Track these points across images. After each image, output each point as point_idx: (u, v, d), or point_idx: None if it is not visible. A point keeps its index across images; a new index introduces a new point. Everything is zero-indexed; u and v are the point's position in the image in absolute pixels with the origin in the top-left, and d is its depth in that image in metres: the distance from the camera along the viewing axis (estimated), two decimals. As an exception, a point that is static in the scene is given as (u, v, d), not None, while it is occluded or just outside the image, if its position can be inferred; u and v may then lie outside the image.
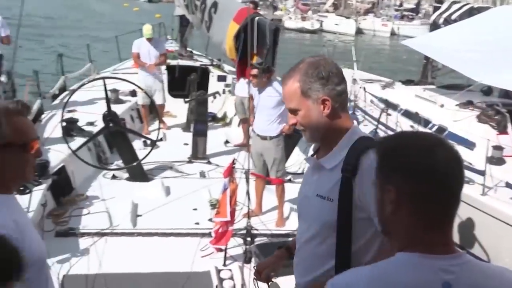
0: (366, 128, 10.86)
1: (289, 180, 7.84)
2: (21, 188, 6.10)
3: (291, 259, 2.96)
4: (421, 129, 9.72)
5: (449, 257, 1.63)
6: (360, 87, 12.67)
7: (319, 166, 2.69)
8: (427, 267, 1.62)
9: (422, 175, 1.63)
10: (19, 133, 2.33)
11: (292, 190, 7.35)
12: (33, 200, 5.88)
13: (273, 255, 3.18)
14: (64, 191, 6.87)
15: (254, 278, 3.05)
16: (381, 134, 10.14)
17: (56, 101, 10.40)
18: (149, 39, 10.03)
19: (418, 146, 1.68)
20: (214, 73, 12.18)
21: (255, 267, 3.13)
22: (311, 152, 4.10)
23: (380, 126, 10.33)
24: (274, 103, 6.70)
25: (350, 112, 11.43)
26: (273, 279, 3.03)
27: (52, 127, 8.20)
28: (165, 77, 11.06)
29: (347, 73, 13.79)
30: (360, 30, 46.85)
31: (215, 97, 10.27)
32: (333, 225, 2.56)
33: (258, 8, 14.79)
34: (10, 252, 1.74)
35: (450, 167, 1.64)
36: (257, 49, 6.68)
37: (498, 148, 7.72)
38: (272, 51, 6.64)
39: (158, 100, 9.95)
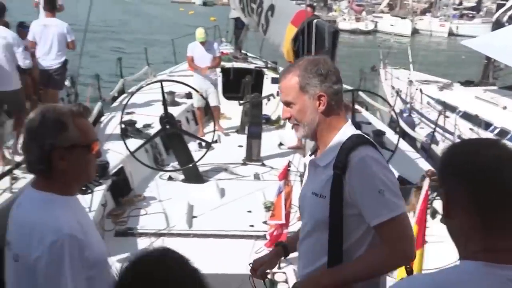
0: (422, 131, 10.71)
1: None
2: (83, 189, 6.22)
3: (286, 257, 3.10)
4: (481, 132, 9.54)
5: None
6: (417, 89, 12.48)
7: (314, 164, 2.75)
8: (494, 277, 1.54)
9: (472, 175, 1.59)
10: (83, 135, 2.38)
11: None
12: (94, 200, 5.98)
13: (269, 252, 3.24)
14: (123, 192, 6.96)
15: (249, 276, 3.04)
16: (439, 137, 9.97)
17: (115, 104, 10.58)
18: (202, 43, 10.06)
19: (471, 150, 1.65)
20: (268, 75, 12.10)
21: (251, 264, 3.10)
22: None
23: (437, 129, 10.08)
24: None
25: (405, 114, 11.42)
26: (268, 276, 3.06)
27: (111, 129, 8.34)
28: (219, 80, 11.07)
29: (403, 74, 13.78)
30: (416, 30, 46.01)
31: (269, 100, 10.21)
32: (325, 222, 2.59)
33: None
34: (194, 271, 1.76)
35: (501, 168, 1.57)
36: (315, 51, 6.66)
37: None
38: (331, 54, 6.60)
39: (212, 103, 9.94)
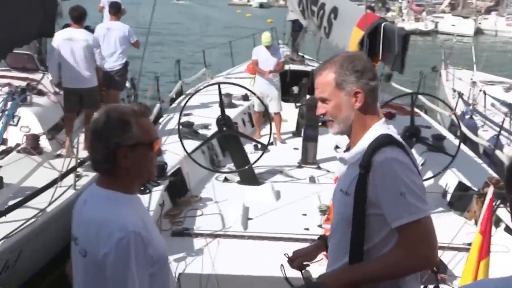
0: (486, 135, 10.45)
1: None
2: (142, 189, 6.27)
3: (327, 250, 3.01)
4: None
5: None
6: (480, 90, 12.22)
7: (344, 161, 2.78)
8: None
9: None
10: (145, 133, 2.45)
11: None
12: (152, 200, 6.04)
13: (310, 245, 3.30)
14: (180, 192, 7.01)
15: (281, 265, 3.02)
16: (504, 141, 9.71)
17: (174, 105, 10.69)
18: (267, 47, 10.04)
19: None
20: None
21: (287, 255, 3.10)
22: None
23: (502, 132, 9.78)
24: None
25: (467, 117, 11.20)
26: (306, 268, 2.99)
27: (170, 130, 8.44)
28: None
29: (465, 74, 13.49)
30: (480, 30, 44.89)
31: None
32: (349, 219, 2.61)
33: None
34: None
35: None
36: (383, 55, 6.60)
37: None
38: (402, 57, 6.52)
39: (274, 109, 9.94)
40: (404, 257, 2.53)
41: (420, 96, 11.15)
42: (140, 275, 2.37)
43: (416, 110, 9.05)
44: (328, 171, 8.31)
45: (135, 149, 2.44)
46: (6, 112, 8.01)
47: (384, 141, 2.63)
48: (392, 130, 2.75)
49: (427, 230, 2.52)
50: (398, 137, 2.72)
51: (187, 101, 8.59)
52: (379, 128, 2.73)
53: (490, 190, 4.29)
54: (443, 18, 51.24)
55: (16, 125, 8.07)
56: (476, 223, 6.35)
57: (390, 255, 2.63)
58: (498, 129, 9.99)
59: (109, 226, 2.36)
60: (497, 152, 9.10)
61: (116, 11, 10.38)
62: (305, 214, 6.62)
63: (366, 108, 2.72)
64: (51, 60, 9.44)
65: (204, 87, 9.50)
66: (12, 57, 9.44)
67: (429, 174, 7.79)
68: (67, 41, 8.60)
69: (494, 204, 4.53)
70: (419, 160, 8.21)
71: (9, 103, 8.12)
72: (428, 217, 2.52)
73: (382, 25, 6.63)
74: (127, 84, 10.95)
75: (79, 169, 6.65)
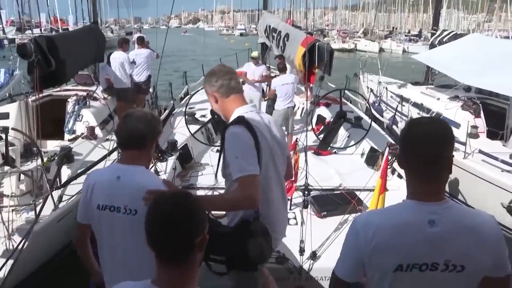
0: (387, 116, 10.70)
1: (334, 152, 7.80)
2: (161, 158, 6.35)
3: None
4: (424, 115, 9.58)
5: (437, 203, 1.61)
6: (383, 87, 12.48)
7: None
8: (419, 209, 1.60)
9: (407, 141, 1.67)
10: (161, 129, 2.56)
11: (336, 158, 7.32)
12: (168, 165, 6.10)
13: None
14: (187, 160, 7.03)
15: None
16: (398, 119, 9.99)
17: (182, 102, 10.70)
18: (254, 58, 9.86)
19: (412, 122, 1.70)
20: None
21: None
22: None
23: (397, 114, 10.20)
24: None
25: (376, 104, 11.36)
26: None
27: (179, 119, 8.47)
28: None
29: (374, 78, 13.75)
30: (381, 49, 45.87)
31: None
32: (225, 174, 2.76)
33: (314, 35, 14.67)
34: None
35: (429, 140, 1.61)
36: (317, 63, 6.74)
37: (474, 127, 7.72)
38: (329, 65, 6.66)
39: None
40: (236, 197, 2.49)
41: (346, 91, 11.34)
42: None
43: (344, 100, 9.20)
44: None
45: (156, 139, 2.47)
46: (74, 112, 8.11)
47: (234, 120, 2.60)
48: (250, 114, 2.65)
49: (250, 183, 2.42)
50: (254, 118, 2.64)
51: (189, 99, 8.65)
52: (240, 110, 2.68)
53: (387, 150, 4.47)
54: (359, 41, 53.24)
55: (80, 120, 8.14)
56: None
57: (229, 194, 2.68)
58: (394, 112, 10.33)
59: (158, 186, 2.25)
60: (394, 127, 9.37)
61: (141, 42, 10.48)
62: None
63: (222, 99, 2.70)
64: (100, 76, 9.58)
65: (202, 88, 9.55)
66: (78, 76, 9.69)
67: (352, 142, 7.95)
68: (113, 59, 9.39)
69: (390, 159, 4.68)
70: (346, 133, 8.38)
71: (76, 107, 8.21)
72: (253, 175, 2.44)
73: (317, 44, 6.73)
74: (151, 90, 10.99)
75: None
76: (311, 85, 10.10)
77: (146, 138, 2.38)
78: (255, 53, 10.15)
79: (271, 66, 13.86)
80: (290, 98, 8.23)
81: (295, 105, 8.31)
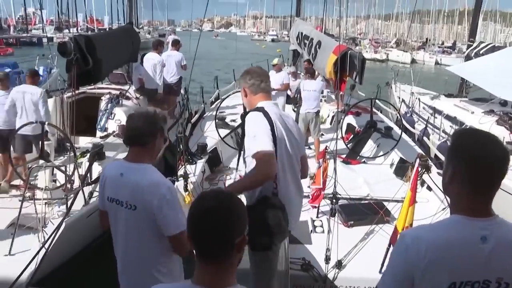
0: (419, 127, 10.54)
1: (363, 162, 7.72)
2: (190, 161, 6.39)
3: None
4: (457, 128, 9.38)
5: (487, 219, 1.58)
6: (416, 98, 12.29)
7: None
8: (470, 225, 1.57)
9: (472, 161, 1.58)
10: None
11: (365, 168, 7.23)
12: (197, 168, 6.13)
13: None
14: (216, 164, 7.03)
15: None
16: (430, 131, 9.81)
17: (213, 106, 10.78)
18: (275, 65, 9.91)
19: (475, 140, 1.62)
20: None
21: None
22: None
23: (429, 125, 10.02)
24: None
25: (408, 115, 11.22)
26: None
27: (210, 122, 8.52)
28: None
29: (407, 88, 13.61)
30: (414, 60, 45.26)
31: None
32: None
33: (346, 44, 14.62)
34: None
35: (495, 158, 1.58)
36: (349, 72, 6.70)
37: (510, 143, 7.42)
38: (360, 73, 6.62)
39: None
40: (254, 173, 2.69)
41: (377, 101, 11.20)
42: (182, 214, 2.40)
43: (374, 110, 9.09)
44: (311, 148, 8.30)
45: (162, 132, 2.54)
46: (107, 110, 8.28)
47: (254, 108, 2.94)
48: (269, 106, 2.96)
49: (267, 158, 2.65)
50: (272, 109, 2.94)
51: (220, 103, 8.71)
52: (262, 103, 2.97)
53: (417, 162, 4.40)
54: (391, 51, 52.75)
55: (113, 119, 8.31)
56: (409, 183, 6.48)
57: (248, 173, 2.83)
58: (426, 123, 10.15)
59: (155, 184, 2.37)
60: (425, 138, 9.21)
61: (175, 44, 10.60)
62: None
63: (251, 95, 3.04)
64: (133, 76, 9.74)
65: (233, 93, 9.59)
66: (112, 75, 9.92)
67: (382, 152, 7.86)
68: (146, 60, 9.60)
69: (420, 171, 4.61)
70: (376, 143, 8.27)
71: (109, 105, 8.39)
72: (268, 151, 2.68)
73: (349, 52, 6.69)
74: (182, 91, 11.12)
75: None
76: (341, 93, 10.04)
77: (145, 135, 2.46)
78: (275, 60, 10.19)
79: (299, 72, 13.89)
80: (312, 104, 8.19)
81: (318, 111, 8.22)
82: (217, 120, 8.12)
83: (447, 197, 1.73)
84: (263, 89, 3.04)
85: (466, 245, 1.55)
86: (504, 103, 9.93)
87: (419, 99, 12.13)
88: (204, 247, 1.44)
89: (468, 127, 9.01)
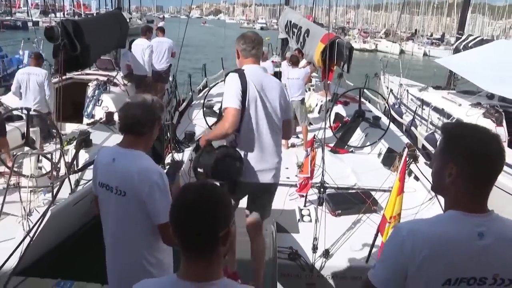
0: (407, 118, 10.62)
1: (351, 151, 7.74)
2: (178, 149, 6.35)
3: None
4: (445, 120, 9.44)
5: (483, 215, 1.58)
6: (404, 89, 12.38)
7: None
8: (467, 221, 1.57)
9: (478, 160, 1.56)
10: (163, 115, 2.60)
11: (353, 157, 7.26)
12: (185, 156, 6.09)
13: None
14: None
15: None
16: (417, 122, 9.89)
17: (200, 94, 10.71)
18: (263, 57, 9.89)
19: (478, 138, 1.60)
20: None
21: None
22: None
23: (416, 117, 10.09)
24: None
25: (396, 106, 11.28)
26: None
27: (197, 110, 8.47)
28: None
29: (395, 79, 13.67)
30: (402, 51, 45.38)
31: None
32: None
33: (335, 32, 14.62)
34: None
35: (498, 156, 1.57)
36: (336, 60, 6.67)
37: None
38: (348, 62, 6.59)
39: None
40: (219, 127, 3.19)
41: (365, 91, 11.23)
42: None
43: (362, 100, 9.12)
44: (299, 137, 8.30)
45: (160, 122, 2.50)
46: (94, 97, 8.18)
47: (235, 69, 3.29)
48: (251, 69, 3.27)
49: (227, 114, 3.10)
50: (254, 72, 3.27)
51: (208, 91, 8.65)
52: (247, 66, 3.32)
53: (405, 152, 4.41)
54: (380, 41, 52.89)
55: (100, 105, 8.21)
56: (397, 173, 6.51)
57: (216, 126, 3.40)
58: (413, 114, 10.22)
59: (146, 171, 2.34)
60: (413, 129, 9.28)
61: (162, 31, 10.47)
62: (287, 168, 6.50)
63: (241, 58, 3.36)
64: (121, 62, 9.62)
65: (220, 81, 9.54)
66: (99, 61, 9.77)
67: (370, 141, 7.90)
68: (135, 45, 9.43)
69: (407, 160, 4.62)
70: (363, 132, 8.30)
71: (96, 91, 8.29)
72: (232, 108, 3.10)
73: (336, 40, 6.67)
74: (170, 79, 11.02)
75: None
76: (329, 82, 10.04)
77: (141, 124, 2.42)
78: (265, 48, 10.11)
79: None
80: (296, 92, 8.09)
81: (303, 99, 8.19)
82: (204, 108, 8.05)
83: (440, 192, 1.70)
84: (253, 55, 3.32)
85: (463, 241, 1.54)
86: (491, 96, 10.01)
87: (407, 90, 12.20)
88: (187, 242, 1.43)
89: (456, 120, 9.10)
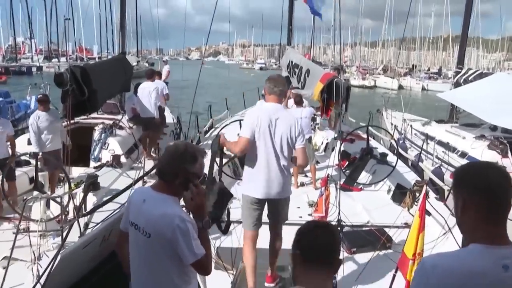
0: (412, 153, 10.64)
1: (361, 189, 7.72)
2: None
3: None
4: (450, 154, 9.47)
5: (507, 247, 1.59)
6: (408, 124, 12.49)
7: None
8: (491, 254, 1.57)
9: (480, 191, 1.62)
10: (200, 169, 2.57)
11: (363, 194, 7.21)
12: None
13: None
14: None
15: None
16: (423, 157, 9.90)
17: (207, 135, 10.73)
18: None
19: (479, 172, 1.67)
20: None
21: None
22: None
23: (422, 151, 10.10)
24: None
25: (401, 142, 11.34)
26: None
27: (206, 151, 8.45)
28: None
29: (398, 114, 13.78)
30: (401, 86, 46.09)
31: None
32: None
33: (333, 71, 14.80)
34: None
35: (497, 182, 1.61)
36: (335, 99, 6.77)
37: (503, 167, 7.44)
38: (346, 101, 6.69)
39: None
40: (233, 146, 4.19)
41: (370, 128, 11.31)
42: (195, 241, 2.39)
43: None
44: (307, 176, 8.28)
45: (193, 176, 2.48)
46: (101, 140, 8.24)
47: (256, 106, 4.21)
48: (266, 106, 4.14)
49: (239, 140, 4.09)
50: (267, 108, 4.10)
51: (219, 132, 8.70)
52: (265, 103, 4.23)
53: (424, 188, 4.36)
54: (379, 77, 54.12)
55: (106, 148, 8.28)
56: (408, 210, 6.44)
57: (232, 144, 4.23)
58: (419, 149, 10.25)
59: (168, 216, 2.37)
60: (420, 164, 9.30)
61: (149, 77, 9.97)
62: (298, 207, 6.53)
63: (267, 95, 4.20)
64: (126, 106, 9.72)
65: (230, 123, 9.56)
66: (105, 105, 9.92)
67: (379, 178, 7.88)
68: (142, 89, 9.46)
69: (417, 196, 4.59)
70: (371, 169, 8.29)
71: (103, 135, 8.36)
72: (242, 136, 4.04)
73: (335, 80, 6.79)
74: (174, 120, 11.07)
75: (145, 177, 6.75)
76: (328, 118, 10.10)
77: (163, 172, 2.50)
78: None
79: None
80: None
81: (310, 138, 8.24)
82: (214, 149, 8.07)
83: (460, 229, 1.74)
84: (274, 92, 4.10)
85: (488, 273, 1.54)
86: (494, 128, 10.09)
87: (411, 125, 12.31)
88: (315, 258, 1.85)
89: (461, 153, 9.13)
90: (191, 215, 2.55)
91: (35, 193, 5.87)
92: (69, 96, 6.42)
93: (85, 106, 7.06)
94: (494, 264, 1.54)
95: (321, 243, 1.80)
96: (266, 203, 4.24)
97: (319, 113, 11.66)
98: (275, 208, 4.27)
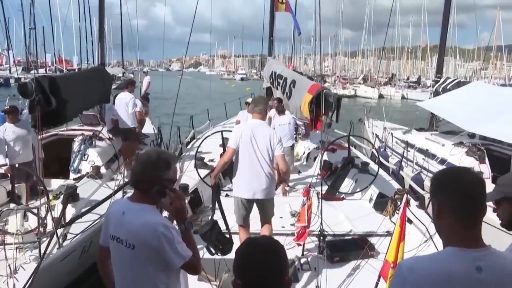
0: (393, 161, 10.78)
1: (343, 198, 7.75)
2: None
3: None
4: (430, 161, 9.63)
5: (481, 249, 1.64)
6: (389, 133, 12.69)
7: None
8: (465, 256, 1.62)
9: (453, 192, 1.68)
10: (174, 174, 2.58)
11: (345, 204, 7.26)
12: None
13: None
14: (197, 204, 6.94)
15: None
16: (404, 164, 10.04)
17: (189, 146, 10.68)
18: (248, 103, 10.02)
19: (453, 176, 1.73)
20: None
21: None
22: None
23: (403, 159, 10.27)
24: None
25: (382, 150, 11.43)
26: None
27: (188, 163, 8.44)
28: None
29: (379, 123, 13.96)
30: (381, 95, 46.75)
31: None
32: None
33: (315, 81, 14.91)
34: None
35: (472, 187, 1.67)
36: (324, 110, 6.81)
37: (479, 173, 7.63)
38: (337, 112, 6.73)
39: None
40: (222, 159, 5.00)
41: (351, 137, 11.42)
42: (181, 245, 2.40)
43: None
44: (292, 188, 8.31)
45: (168, 182, 2.49)
46: (80, 152, 8.14)
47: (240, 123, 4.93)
48: (248, 122, 5.20)
49: (228, 151, 4.96)
50: (249, 124, 5.02)
51: (200, 144, 8.70)
52: (250, 120, 5.20)
53: (404, 197, 4.42)
54: (359, 87, 54.92)
55: (86, 160, 8.17)
56: (390, 218, 6.51)
57: (220, 159, 5.05)
58: (400, 157, 10.42)
59: (151, 225, 2.36)
60: (400, 172, 9.42)
61: (126, 87, 10.07)
62: (281, 217, 6.51)
63: (251, 112, 5.16)
64: (106, 117, 9.63)
65: (212, 134, 9.52)
66: (84, 116, 9.80)
67: (361, 187, 7.94)
68: (118, 99, 9.42)
69: (398, 204, 4.64)
70: (353, 178, 8.35)
71: (82, 146, 8.26)
72: (229, 147, 4.95)
73: (324, 91, 6.84)
74: (155, 131, 10.98)
75: (125, 188, 6.67)
76: (317, 131, 10.15)
77: (142, 182, 2.48)
78: (249, 99, 10.36)
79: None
80: (286, 138, 8.34)
81: (293, 145, 8.31)
82: (196, 161, 8.04)
83: (438, 233, 1.80)
84: (255, 110, 5.01)
85: (462, 275, 1.59)
86: (472, 135, 10.33)
87: (391, 133, 12.49)
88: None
89: (440, 159, 9.27)
90: (174, 222, 2.55)
91: (12, 205, 5.73)
92: (36, 107, 6.30)
93: (55, 117, 6.90)
94: (468, 266, 1.60)
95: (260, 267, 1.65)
96: (255, 203, 5.08)
97: (300, 123, 11.77)
98: (262, 206, 5.11)
